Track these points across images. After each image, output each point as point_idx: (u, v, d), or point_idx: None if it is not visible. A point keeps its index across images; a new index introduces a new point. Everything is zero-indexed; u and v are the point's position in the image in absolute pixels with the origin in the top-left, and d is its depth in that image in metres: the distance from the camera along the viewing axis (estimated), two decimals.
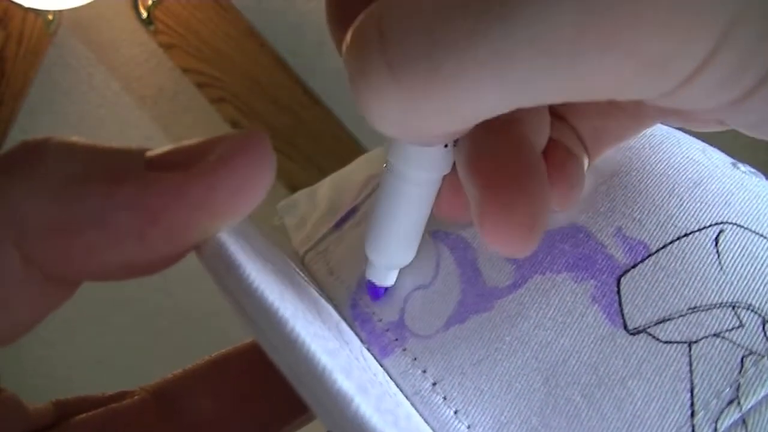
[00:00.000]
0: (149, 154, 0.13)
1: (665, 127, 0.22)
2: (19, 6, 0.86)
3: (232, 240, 0.13)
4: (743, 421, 0.16)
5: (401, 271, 0.20)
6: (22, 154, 0.13)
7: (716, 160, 0.21)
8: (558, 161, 0.18)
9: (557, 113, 0.19)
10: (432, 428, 0.17)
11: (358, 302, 0.20)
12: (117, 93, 1.03)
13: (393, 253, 0.19)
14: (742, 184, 0.20)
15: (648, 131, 0.22)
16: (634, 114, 0.18)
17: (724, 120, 0.15)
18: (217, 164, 0.13)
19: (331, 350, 0.12)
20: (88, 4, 0.87)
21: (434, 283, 0.19)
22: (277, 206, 0.28)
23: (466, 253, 0.19)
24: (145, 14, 0.92)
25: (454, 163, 0.18)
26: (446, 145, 0.18)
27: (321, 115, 0.97)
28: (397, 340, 0.19)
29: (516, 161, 0.16)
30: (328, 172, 0.29)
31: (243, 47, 0.96)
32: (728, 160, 0.21)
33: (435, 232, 0.20)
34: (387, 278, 0.20)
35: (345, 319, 0.20)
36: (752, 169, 0.21)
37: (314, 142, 0.98)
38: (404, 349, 0.19)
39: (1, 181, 0.12)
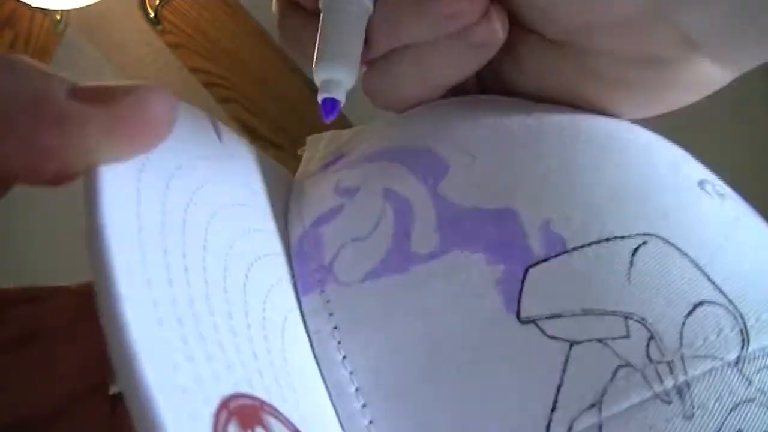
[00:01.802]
0: (79, 84, 0.14)
1: (647, 135, 0.23)
2: (27, 6, 0.86)
3: (123, 173, 0.14)
4: (600, 427, 0.16)
5: (344, 219, 0.21)
6: None
7: (682, 176, 0.21)
8: None
9: None
10: (320, 367, 0.18)
11: (304, 241, 0.21)
12: None
13: (335, 65, 0.22)
14: (693, 203, 0.20)
15: (626, 137, 0.22)
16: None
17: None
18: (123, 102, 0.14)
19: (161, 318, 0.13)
20: (96, 4, 0.87)
21: (369, 237, 0.20)
22: (307, 138, 0.30)
23: (406, 217, 0.20)
24: (152, 14, 0.92)
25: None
26: None
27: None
28: (320, 281, 0.20)
29: None
30: None
31: (251, 47, 0.95)
32: (698, 177, 0.21)
33: (386, 189, 0.21)
34: (334, 91, 0.22)
35: (289, 253, 0.21)
36: (724, 191, 0.21)
37: None
38: (322, 291, 0.20)
39: None
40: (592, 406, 0.16)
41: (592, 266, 0.18)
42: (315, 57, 0.23)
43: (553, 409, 0.16)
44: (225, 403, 0.13)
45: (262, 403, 0.14)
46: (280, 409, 0.15)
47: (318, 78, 0.23)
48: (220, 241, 0.17)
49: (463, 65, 0.23)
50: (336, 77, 0.22)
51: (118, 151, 0.14)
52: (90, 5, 0.87)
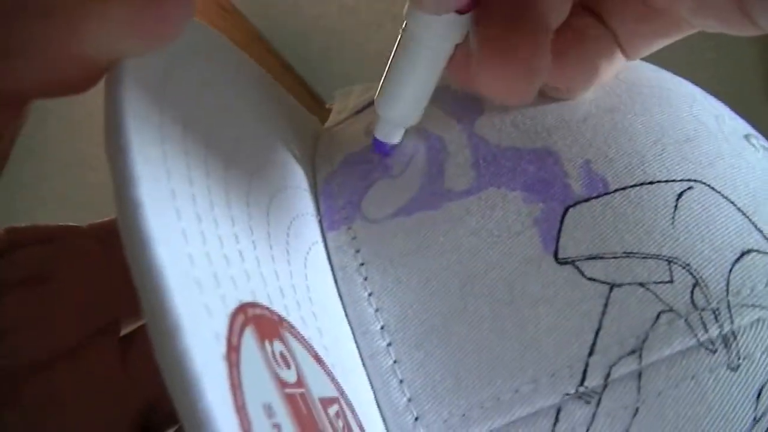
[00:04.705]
0: None
1: (690, 87, 0.22)
2: None
3: (147, 77, 0.13)
4: (639, 374, 0.15)
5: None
6: None
7: (727, 127, 0.20)
8: (565, 43, 0.19)
9: (597, 13, 0.20)
10: (344, 303, 0.18)
11: (332, 180, 0.21)
12: None
13: (401, 110, 0.20)
14: (740, 154, 0.19)
15: (669, 86, 0.21)
16: (667, 19, 0.19)
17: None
18: None
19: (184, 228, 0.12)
20: None
21: (401, 175, 0.20)
22: (336, 92, 0.29)
23: (440, 154, 0.20)
24: None
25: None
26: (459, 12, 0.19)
27: (327, 119, 0.97)
28: (347, 218, 0.19)
29: (517, 17, 0.17)
30: None
31: (249, 52, 0.96)
32: (743, 131, 0.20)
33: (419, 128, 0.21)
34: (393, 136, 0.21)
35: (317, 194, 0.21)
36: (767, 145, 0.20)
37: None
38: (349, 228, 0.19)
39: None
40: (633, 352, 0.15)
41: (635, 208, 0.17)
42: (379, 89, 0.20)
43: (590, 354, 0.16)
44: (242, 308, 0.12)
45: (281, 319, 0.13)
46: (301, 331, 0.14)
47: (378, 112, 0.21)
48: (245, 165, 0.16)
49: None
50: (396, 119, 0.20)
51: (140, 42, 0.13)
52: None
